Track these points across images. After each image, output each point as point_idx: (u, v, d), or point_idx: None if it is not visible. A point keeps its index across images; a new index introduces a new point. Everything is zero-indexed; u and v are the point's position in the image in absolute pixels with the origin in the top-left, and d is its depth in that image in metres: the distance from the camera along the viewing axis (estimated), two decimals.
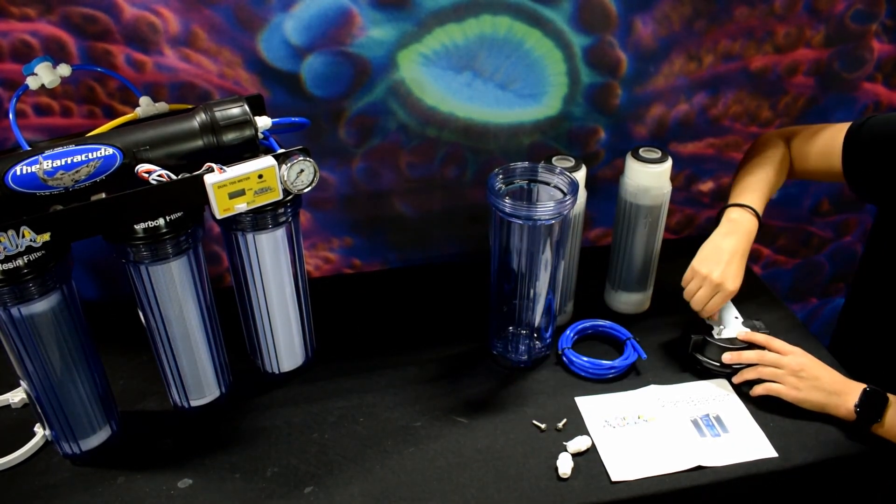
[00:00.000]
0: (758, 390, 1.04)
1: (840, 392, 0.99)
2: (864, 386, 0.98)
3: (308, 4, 1.07)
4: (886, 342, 1.09)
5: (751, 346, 1.07)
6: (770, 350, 1.05)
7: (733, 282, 1.05)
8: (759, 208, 1.09)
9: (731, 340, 1.09)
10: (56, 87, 0.92)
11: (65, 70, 0.92)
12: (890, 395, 0.96)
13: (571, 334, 1.15)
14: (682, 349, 1.13)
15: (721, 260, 1.05)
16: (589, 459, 0.96)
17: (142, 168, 0.83)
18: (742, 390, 1.06)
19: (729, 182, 1.43)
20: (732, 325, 1.10)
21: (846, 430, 0.99)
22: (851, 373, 1.02)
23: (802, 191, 1.48)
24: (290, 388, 1.09)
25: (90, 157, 0.81)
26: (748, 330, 1.09)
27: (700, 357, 1.10)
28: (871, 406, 0.96)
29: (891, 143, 1.01)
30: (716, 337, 1.09)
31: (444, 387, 1.08)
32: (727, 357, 1.07)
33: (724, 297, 1.06)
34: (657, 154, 1.12)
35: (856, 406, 0.97)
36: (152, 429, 1.02)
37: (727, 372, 1.08)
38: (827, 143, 1.09)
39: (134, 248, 0.88)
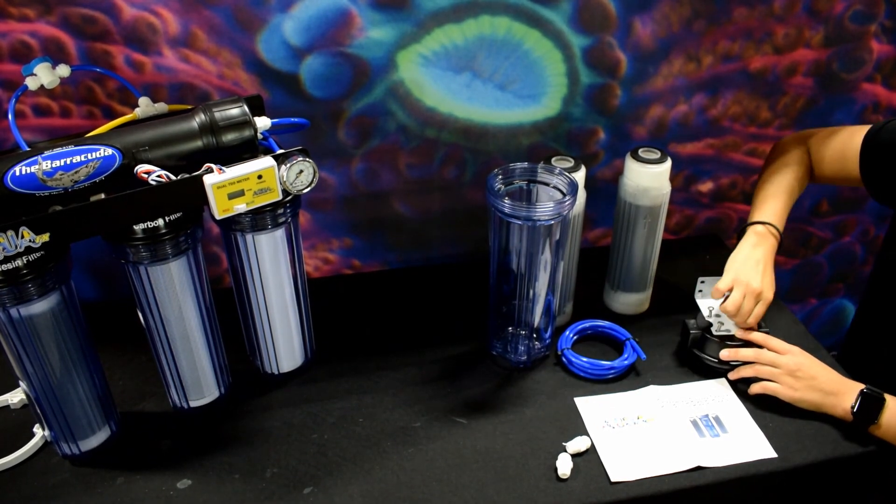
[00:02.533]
0: (755, 389, 1.04)
1: (837, 392, 0.99)
2: (862, 387, 0.98)
3: (307, 5, 1.08)
4: None
5: (749, 343, 1.08)
6: (768, 349, 1.06)
7: (771, 289, 1.06)
8: (780, 222, 1.10)
9: (731, 337, 1.09)
10: (55, 87, 0.92)
11: (64, 71, 0.91)
12: (888, 396, 0.96)
13: (571, 335, 1.15)
14: (682, 345, 1.13)
15: (758, 269, 1.06)
16: (588, 460, 0.96)
17: (141, 169, 0.83)
18: (740, 388, 1.06)
19: (728, 183, 1.44)
20: (732, 322, 1.11)
21: (845, 430, 0.99)
22: (862, 378, 1.02)
23: None
24: (289, 389, 1.09)
25: (89, 157, 0.81)
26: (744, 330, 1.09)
27: (699, 353, 1.10)
28: (867, 408, 0.96)
29: None
30: (715, 333, 1.09)
31: (444, 387, 1.08)
32: (724, 354, 1.07)
33: (766, 305, 1.06)
34: (656, 154, 1.12)
35: (852, 407, 0.97)
36: (151, 429, 1.02)
37: (725, 368, 1.08)
38: (843, 147, 1.09)
39: (133, 249, 0.88)
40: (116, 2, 1.02)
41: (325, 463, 0.96)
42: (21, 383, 0.93)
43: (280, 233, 0.98)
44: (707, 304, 1.15)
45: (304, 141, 1.10)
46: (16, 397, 1.05)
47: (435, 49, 1.15)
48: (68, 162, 0.80)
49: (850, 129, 1.10)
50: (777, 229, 1.09)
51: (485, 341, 1.16)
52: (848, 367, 1.08)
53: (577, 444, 0.97)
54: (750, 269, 1.06)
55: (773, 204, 1.11)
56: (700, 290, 1.15)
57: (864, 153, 1.06)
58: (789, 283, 1.63)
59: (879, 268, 1.08)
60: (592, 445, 0.98)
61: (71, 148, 0.80)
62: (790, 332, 1.17)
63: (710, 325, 1.10)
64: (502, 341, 1.14)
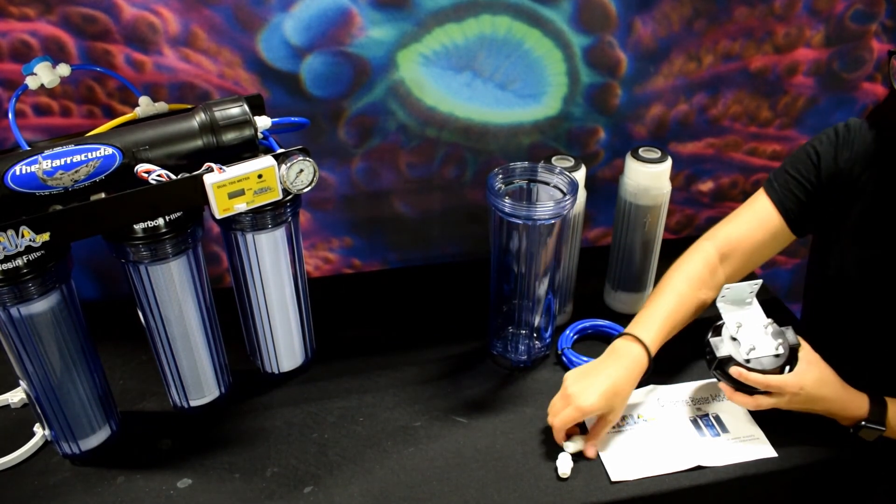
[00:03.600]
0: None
1: (836, 415, 0.96)
2: (864, 413, 0.95)
3: (308, 4, 1.08)
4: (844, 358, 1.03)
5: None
6: (769, 389, 0.95)
7: (587, 399, 0.93)
8: (652, 343, 0.98)
9: (760, 367, 0.94)
10: (55, 87, 0.92)
11: (64, 70, 0.92)
12: (889, 401, 0.96)
13: (571, 334, 1.15)
14: (700, 354, 1.02)
15: (587, 376, 0.96)
16: (588, 459, 0.96)
17: (141, 168, 0.83)
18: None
19: (729, 183, 1.44)
20: (763, 343, 0.96)
21: (846, 430, 0.98)
22: None
23: None
24: (289, 389, 1.09)
25: (90, 156, 0.81)
26: (741, 369, 0.94)
27: (721, 376, 0.97)
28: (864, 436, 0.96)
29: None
30: (744, 360, 0.94)
31: (444, 387, 1.08)
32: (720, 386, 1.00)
33: (575, 411, 0.93)
34: (657, 154, 1.12)
35: (850, 429, 0.97)
36: (152, 429, 1.02)
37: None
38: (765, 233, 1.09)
39: (133, 248, 0.88)
40: (117, 1, 1.02)
41: (326, 462, 0.96)
42: (21, 382, 0.93)
43: (280, 232, 0.98)
44: (732, 317, 0.99)
45: (304, 140, 1.10)
46: (16, 396, 1.05)
47: (435, 48, 1.15)
48: (68, 161, 0.80)
49: (755, 219, 1.09)
50: (645, 345, 0.98)
51: (485, 341, 1.16)
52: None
53: (578, 444, 0.97)
54: (579, 375, 0.98)
55: (651, 324, 1.01)
56: (723, 296, 1.00)
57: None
58: (789, 283, 1.63)
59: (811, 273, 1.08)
60: None
61: (71, 147, 0.80)
62: None
63: (741, 345, 0.96)
64: (502, 341, 1.14)
